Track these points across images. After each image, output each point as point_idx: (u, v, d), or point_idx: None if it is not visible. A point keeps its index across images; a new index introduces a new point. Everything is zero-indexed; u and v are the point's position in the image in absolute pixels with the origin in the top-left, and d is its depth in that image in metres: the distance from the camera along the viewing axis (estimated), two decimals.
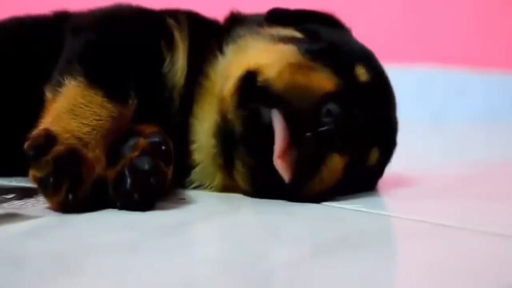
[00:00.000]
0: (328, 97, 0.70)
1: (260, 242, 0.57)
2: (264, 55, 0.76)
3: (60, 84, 0.71)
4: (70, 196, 0.62)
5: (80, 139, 0.65)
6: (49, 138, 0.64)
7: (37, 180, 0.62)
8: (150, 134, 0.69)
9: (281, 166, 0.68)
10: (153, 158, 0.65)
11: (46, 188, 0.62)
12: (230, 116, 0.73)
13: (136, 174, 0.64)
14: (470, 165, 1.27)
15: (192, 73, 0.80)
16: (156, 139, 0.68)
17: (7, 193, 0.73)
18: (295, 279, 0.47)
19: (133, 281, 0.45)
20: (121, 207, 0.65)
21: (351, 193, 0.78)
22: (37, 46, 0.86)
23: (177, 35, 0.81)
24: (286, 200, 0.73)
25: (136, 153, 0.66)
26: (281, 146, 0.68)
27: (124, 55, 0.76)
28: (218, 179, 0.78)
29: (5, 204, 0.67)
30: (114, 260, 0.49)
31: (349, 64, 0.77)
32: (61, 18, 0.88)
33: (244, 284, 0.45)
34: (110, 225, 0.60)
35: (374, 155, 0.78)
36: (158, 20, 0.82)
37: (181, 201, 0.72)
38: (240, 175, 0.74)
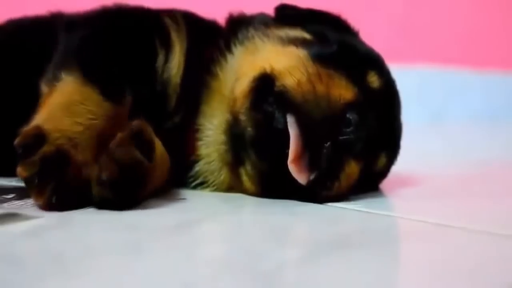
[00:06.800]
0: (347, 106, 0.71)
1: (261, 242, 0.57)
2: (277, 58, 0.76)
3: (56, 78, 0.71)
4: (53, 199, 0.62)
5: (70, 139, 0.65)
6: (39, 136, 0.64)
7: (23, 178, 0.63)
8: (129, 125, 0.67)
9: (295, 170, 0.69)
10: (127, 147, 0.64)
11: (31, 187, 0.63)
12: (242, 117, 0.73)
13: (110, 164, 0.63)
14: (470, 165, 1.27)
15: (193, 72, 0.80)
16: (133, 128, 0.66)
17: (7, 193, 0.73)
18: (296, 279, 0.47)
19: (133, 281, 0.44)
20: (102, 203, 0.64)
21: (359, 194, 0.78)
22: (32, 46, 0.86)
23: (174, 34, 0.81)
24: (299, 201, 0.74)
25: (114, 146, 0.64)
26: (296, 150, 0.68)
27: (119, 51, 0.77)
28: (222, 176, 0.78)
29: (5, 204, 0.67)
30: (114, 260, 0.49)
31: (361, 71, 0.78)
32: (56, 18, 0.88)
33: (245, 284, 0.45)
34: (110, 225, 0.60)
35: (382, 159, 0.80)
36: (154, 18, 0.83)
37: (182, 201, 0.72)
38: (248, 176, 0.74)
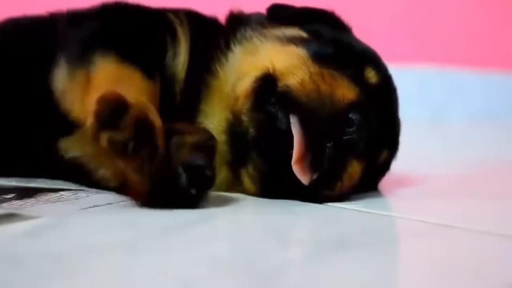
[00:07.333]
0: (350, 106, 0.71)
1: (260, 242, 0.57)
2: (278, 57, 0.76)
3: (89, 62, 0.72)
4: (146, 164, 0.62)
5: (146, 104, 0.65)
6: (120, 99, 0.63)
7: (115, 144, 0.61)
8: (195, 131, 0.69)
9: (298, 170, 0.69)
10: (204, 153, 0.66)
11: (125, 152, 0.61)
12: (244, 117, 0.73)
13: (192, 170, 0.64)
14: (470, 165, 1.27)
15: (195, 70, 0.80)
16: (204, 136, 0.68)
17: (7, 193, 0.73)
18: (296, 278, 0.47)
19: (133, 281, 0.44)
20: (177, 204, 0.65)
21: (360, 193, 0.78)
22: (33, 46, 0.86)
23: (179, 30, 0.81)
24: (300, 201, 0.74)
25: (187, 150, 0.66)
26: (300, 151, 0.68)
27: (135, 41, 0.77)
28: (222, 175, 0.78)
29: (4, 204, 0.67)
30: (114, 260, 0.49)
31: (359, 67, 0.78)
32: (56, 17, 0.88)
33: (244, 284, 0.45)
34: (110, 225, 0.60)
35: (383, 157, 0.80)
36: (160, 14, 0.83)
37: None
38: (249, 176, 0.74)
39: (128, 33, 0.78)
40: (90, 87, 0.70)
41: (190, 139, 0.67)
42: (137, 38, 0.78)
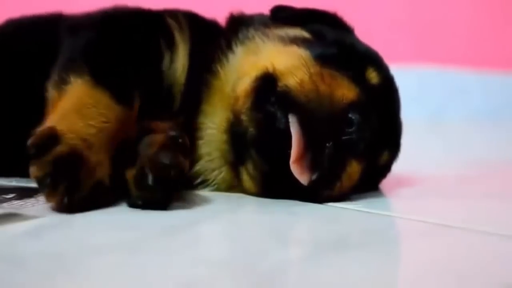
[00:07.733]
0: (350, 106, 0.71)
1: (260, 242, 0.57)
2: (279, 57, 0.76)
3: (65, 82, 0.71)
4: (65, 199, 0.62)
5: (84, 140, 0.65)
6: (52, 137, 0.63)
7: (35, 178, 0.62)
8: (166, 129, 0.69)
9: (297, 170, 0.69)
10: (172, 152, 0.66)
11: (43, 187, 0.62)
12: (243, 117, 0.73)
13: (157, 168, 0.64)
14: (470, 165, 1.27)
15: (196, 72, 0.80)
16: (173, 133, 0.68)
17: (7, 193, 0.73)
18: (296, 279, 0.47)
19: (133, 281, 0.45)
20: (143, 205, 0.66)
21: (360, 193, 0.78)
22: (33, 46, 0.86)
23: (177, 35, 0.81)
24: (300, 201, 0.74)
25: (155, 149, 0.66)
26: (298, 151, 0.68)
27: (126, 53, 0.77)
28: (223, 175, 0.78)
29: (5, 204, 0.67)
30: (114, 260, 0.49)
31: (361, 68, 0.78)
32: (57, 20, 0.88)
33: (245, 284, 0.45)
34: (110, 225, 0.60)
35: (384, 157, 0.80)
36: (157, 19, 0.83)
37: (182, 201, 0.72)
38: (249, 176, 0.74)
39: (118, 46, 0.77)
40: (53, 107, 0.70)
41: (160, 137, 0.67)
42: (127, 52, 0.77)
